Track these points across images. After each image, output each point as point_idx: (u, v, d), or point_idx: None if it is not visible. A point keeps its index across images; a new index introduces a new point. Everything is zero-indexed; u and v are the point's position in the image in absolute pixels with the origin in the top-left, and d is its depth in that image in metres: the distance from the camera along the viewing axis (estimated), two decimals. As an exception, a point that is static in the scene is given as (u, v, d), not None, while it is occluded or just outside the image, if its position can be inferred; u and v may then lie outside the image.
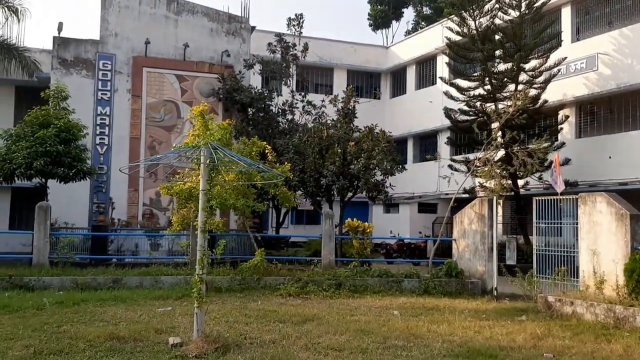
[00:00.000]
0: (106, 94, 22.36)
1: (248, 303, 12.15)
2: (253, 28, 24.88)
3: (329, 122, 22.79)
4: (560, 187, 14.33)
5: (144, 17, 23.17)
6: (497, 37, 22.71)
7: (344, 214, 21.04)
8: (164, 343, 8.22)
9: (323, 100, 24.20)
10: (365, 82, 37.00)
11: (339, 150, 20.71)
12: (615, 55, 22.57)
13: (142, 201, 22.15)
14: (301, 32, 25.62)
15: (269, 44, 24.79)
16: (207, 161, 8.43)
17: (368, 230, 16.39)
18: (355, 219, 16.52)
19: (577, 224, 12.32)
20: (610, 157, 22.23)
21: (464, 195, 21.47)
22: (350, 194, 21.64)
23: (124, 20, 22.96)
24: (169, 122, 22.88)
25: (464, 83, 23.88)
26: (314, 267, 15.78)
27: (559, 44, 23.06)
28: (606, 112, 23.84)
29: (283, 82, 25.54)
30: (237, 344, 8.27)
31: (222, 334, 8.66)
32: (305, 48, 25.06)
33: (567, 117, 23.43)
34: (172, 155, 9.10)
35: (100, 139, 22.06)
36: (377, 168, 20.43)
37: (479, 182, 20.95)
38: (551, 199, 13.24)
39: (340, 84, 33.56)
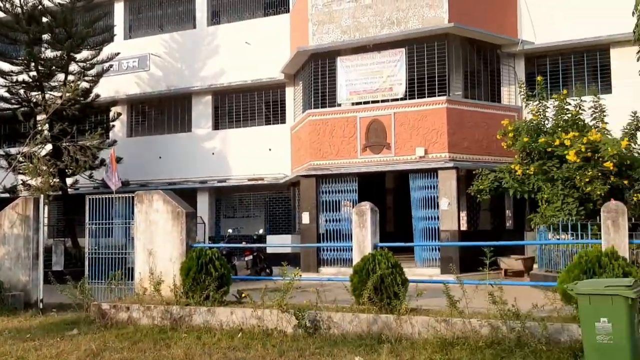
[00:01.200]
0: None
1: None
2: None
3: None
4: (116, 185, 13.70)
5: None
6: (46, 20, 20.74)
7: None
8: None
9: None
10: None
11: None
12: (166, 58, 23.42)
13: None
14: None
15: None
16: None
17: None
18: None
19: (132, 223, 11.84)
20: (160, 157, 22.97)
21: (4, 195, 19.19)
22: None
23: None
24: None
25: (5, 66, 21.14)
26: None
27: (111, 38, 22.65)
28: (157, 112, 24.56)
29: None
30: None
31: None
32: None
33: (119, 114, 23.22)
34: None
35: None
36: None
37: (22, 180, 19.01)
38: (106, 198, 12.46)
39: None
